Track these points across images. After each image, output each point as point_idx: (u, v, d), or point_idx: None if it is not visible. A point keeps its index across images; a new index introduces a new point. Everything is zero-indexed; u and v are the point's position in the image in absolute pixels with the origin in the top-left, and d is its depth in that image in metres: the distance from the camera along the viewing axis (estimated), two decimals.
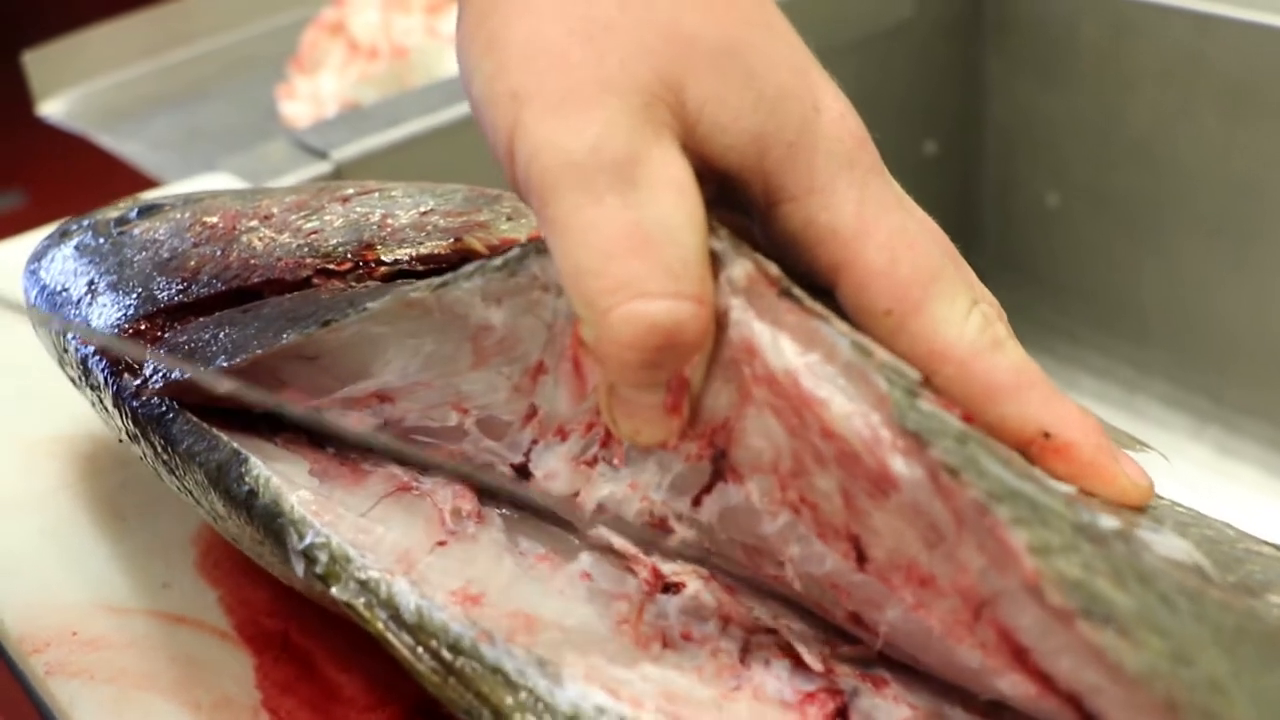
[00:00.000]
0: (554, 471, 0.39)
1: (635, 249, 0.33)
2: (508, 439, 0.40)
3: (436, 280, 0.38)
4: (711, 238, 0.35)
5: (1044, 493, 0.32)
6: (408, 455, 0.41)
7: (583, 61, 0.35)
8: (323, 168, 0.77)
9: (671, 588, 0.38)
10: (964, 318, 0.35)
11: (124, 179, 1.07)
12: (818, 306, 0.34)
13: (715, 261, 0.35)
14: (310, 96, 1.07)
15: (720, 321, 0.35)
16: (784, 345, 0.34)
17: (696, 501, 0.38)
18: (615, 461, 0.38)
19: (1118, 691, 0.30)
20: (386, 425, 0.41)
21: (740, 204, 0.37)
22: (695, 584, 0.38)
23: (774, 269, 0.35)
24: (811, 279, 0.36)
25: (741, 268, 0.35)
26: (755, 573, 0.38)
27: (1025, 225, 1.01)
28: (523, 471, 0.40)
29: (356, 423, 0.41)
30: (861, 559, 0.35)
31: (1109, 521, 0.32)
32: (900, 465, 0.33)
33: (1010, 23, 0.97)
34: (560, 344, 0.38)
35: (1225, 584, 0.33)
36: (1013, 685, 0.32)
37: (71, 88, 1.15)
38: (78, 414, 0.56)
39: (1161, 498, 0.39)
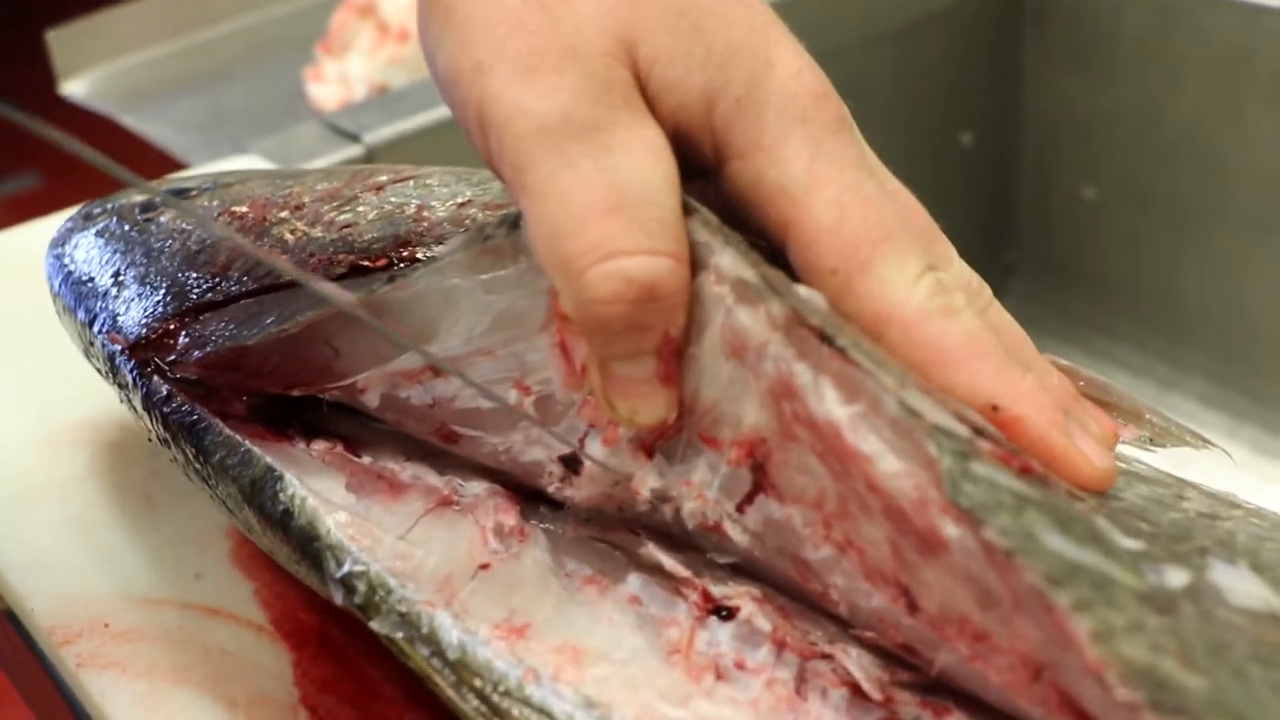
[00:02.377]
0: (607, 455, 0.37)
1: (610, 210, 0.33)
2: (565, 422, 0.38)
3: (510, 216, 0.36)
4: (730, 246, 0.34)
5: (1108, 558, 0.30)
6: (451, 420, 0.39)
7: (540, 28, 0.34)
8: (354, 150, 0.76)
9: (723, 611, 0.37)
10: (913, 280, 0.34)
11: (145, 160, 1.06)
12: (860, 357, 0.32)
13: (706, 251, 0.34)
14: (338, 79, 1.05)
15: (759, 350, 0.34)
16: (826, 392, 0.33)
17: (740, 509, 0.36)
18: (669, 455, 0.36)
19: None
20: (435, 406, 0.39)
21: (695, 165, 0.36)
22: (749, 606, 0.36)
23: (814, 317, 0.33)
24: (764, 238, 0.35)
25: (752, 272, 0.33)
26: (804, 586, 0.36)
27: (1062, 218, 1.00)
28: (571, 463, 0.38)
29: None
30: (912, 607, 0.33)
31: (1177, 577, 0.30)
32: (952, 531, 0.31)
33: (1049, 13, 0.96)
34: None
35: None
36: None
37: (95, 67, 1.13)
38: (105, 401, 0.55)
39: (1238, 503, 0.37)
